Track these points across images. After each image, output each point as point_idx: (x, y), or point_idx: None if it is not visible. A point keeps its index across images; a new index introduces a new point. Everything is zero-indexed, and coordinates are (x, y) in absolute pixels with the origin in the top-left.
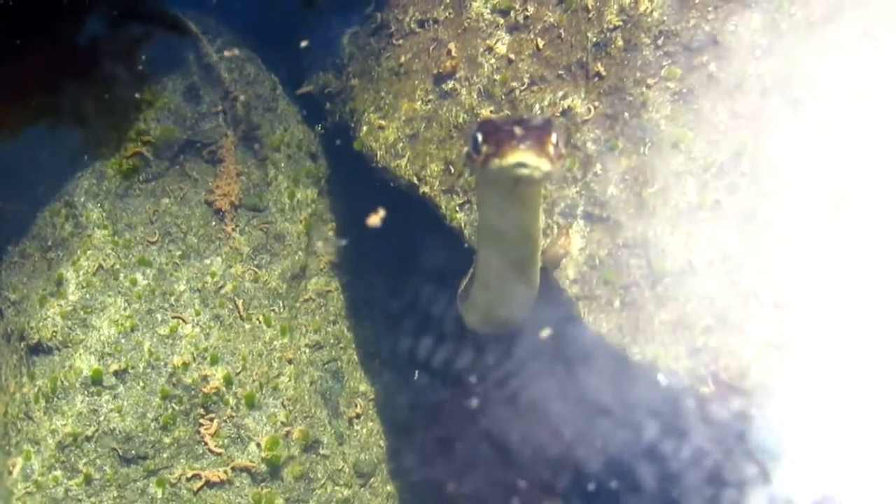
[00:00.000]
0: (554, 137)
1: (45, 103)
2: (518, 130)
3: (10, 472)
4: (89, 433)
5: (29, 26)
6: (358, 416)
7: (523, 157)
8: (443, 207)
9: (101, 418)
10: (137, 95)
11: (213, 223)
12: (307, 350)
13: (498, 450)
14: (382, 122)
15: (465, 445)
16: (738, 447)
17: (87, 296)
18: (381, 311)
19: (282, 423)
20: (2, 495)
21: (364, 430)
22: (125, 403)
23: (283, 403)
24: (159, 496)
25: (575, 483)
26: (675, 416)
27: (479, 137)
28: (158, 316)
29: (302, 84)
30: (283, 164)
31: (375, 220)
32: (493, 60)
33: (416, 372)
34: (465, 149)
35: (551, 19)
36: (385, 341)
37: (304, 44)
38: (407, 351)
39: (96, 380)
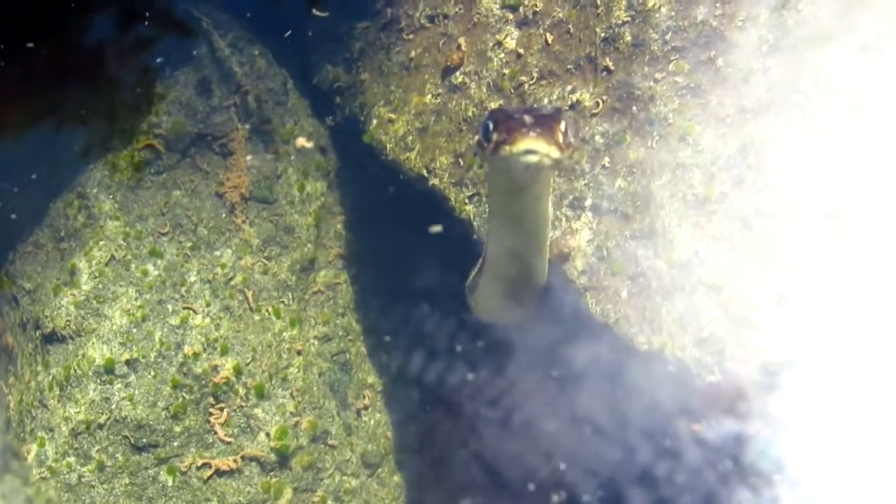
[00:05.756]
0: (563, 126)
1: (57, 98)
2: (528, 118)
3: (26, 458)
4: (101, 421)
5: (38, 25)
6: (366, 408)
7: (533, 144)
8: (452, 200)
9: (114, 406)
10: (149, 89)
11: (224, 215)
12: (316, 342)
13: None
14: (392, 116)
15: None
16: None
17: (100, 286)
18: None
19: (291, 413)
20: (21, 479)
21: (372, 422)
22: (137, 392)
23: (291, 394)
24: (170, 484)
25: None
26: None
27: (490, 125)
28: (169, 306)
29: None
30: (293, 157)
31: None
32: (502, 55)
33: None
34: (477, 137)
35: (560, 14)
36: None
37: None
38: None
39: (108, 368)
